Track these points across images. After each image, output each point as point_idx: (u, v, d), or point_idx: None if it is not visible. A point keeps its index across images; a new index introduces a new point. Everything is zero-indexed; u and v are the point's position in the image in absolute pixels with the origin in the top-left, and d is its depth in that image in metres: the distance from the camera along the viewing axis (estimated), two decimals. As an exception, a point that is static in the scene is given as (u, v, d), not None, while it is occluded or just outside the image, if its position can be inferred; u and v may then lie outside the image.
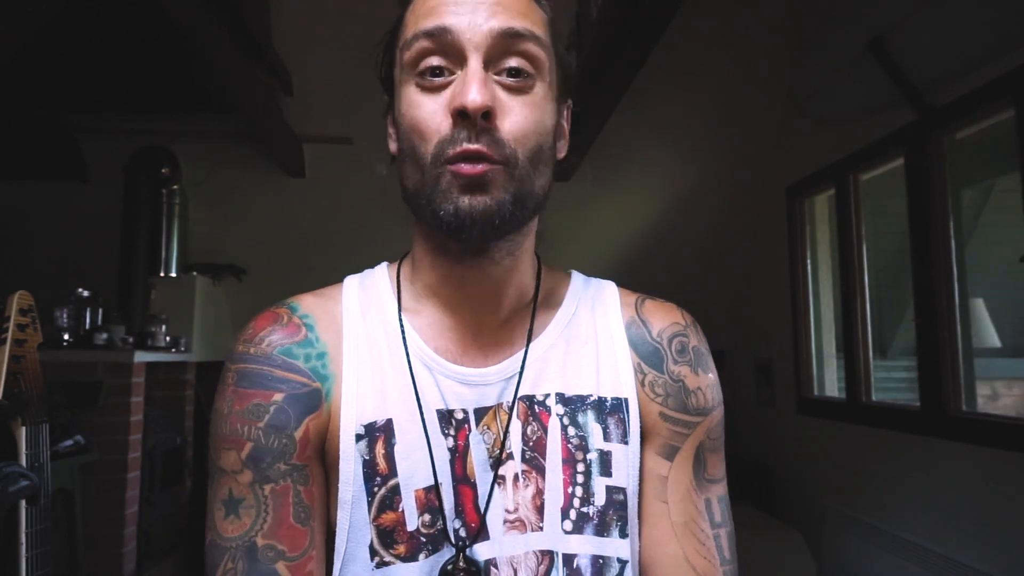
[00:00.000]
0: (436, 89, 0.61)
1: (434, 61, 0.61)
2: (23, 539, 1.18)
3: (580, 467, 0.64)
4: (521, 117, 0.61)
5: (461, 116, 0.58)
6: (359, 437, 0.62)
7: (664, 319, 0.71)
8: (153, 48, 3.25)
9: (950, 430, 2.37)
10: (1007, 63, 2.14)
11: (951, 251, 2.43)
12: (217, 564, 0.59)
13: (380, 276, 0.72)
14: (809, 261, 3.45)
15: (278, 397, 0.62)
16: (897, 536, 2.59)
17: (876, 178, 2.97)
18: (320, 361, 0.65)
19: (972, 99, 2.30)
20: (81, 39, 3.21)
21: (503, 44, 0.60)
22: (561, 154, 0.70)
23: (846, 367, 3.04)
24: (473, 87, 0.58)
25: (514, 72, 0.61)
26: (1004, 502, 2.15)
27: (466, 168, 0.58)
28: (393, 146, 0.68)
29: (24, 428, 1.22)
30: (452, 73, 0.61)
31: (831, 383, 3.34)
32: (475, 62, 0.59)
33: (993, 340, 2.95)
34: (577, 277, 0.76)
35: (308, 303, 0.69)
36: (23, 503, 1.17)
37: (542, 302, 0.71)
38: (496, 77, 0.61)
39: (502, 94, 0.60)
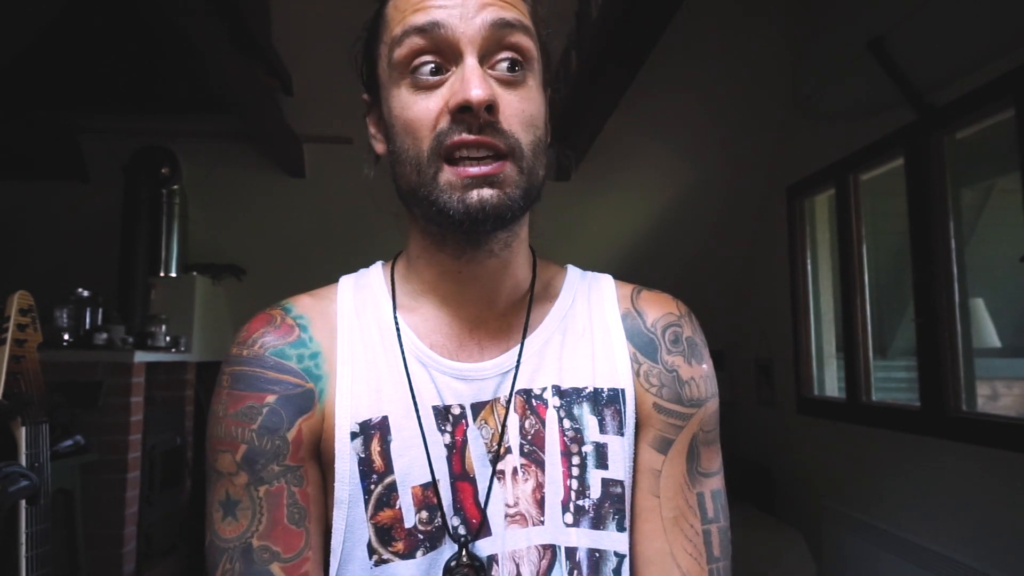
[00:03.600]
0: (431, 88, 0.60)
1: (428, 59, 0.60)
2: (23, 539, 1.18)
3: (576, 460, 0.64)
4: (519, 110, 0.60)
5: (462, 111, 0.57)
6: (354, 435, 0.62)
7: (658, 309, 0.71)
8: (153, 48, 3.25)
9: (950, 430, 2.37)
10: (1007, 63, 2.14)
11: (951, 251, 2.42)
12: (216, 564, 0.60)
13: (375, 275, 0.72)
14: (809, 261, 3.45)
15: (271, 399, 0.62)
16: (897, 536, 2.59)
17: (876, 178, 2.96)
18: (313, 361, 0.64)
19: (972, 99, 2.30)
20: (81, 39, 3.21)
21: (496, 36, 0.59)
22: (547, 140, 0.69)
23: (846, 367, 3.04)
24: (474, 81, 0.57)
25: (508, 65, 0.60)
26: (1004, 502, 2.15)
27: (473, 170, 0.58)
28: (380, 147, 0.68)
29: (24, 428, 1.22)
30: (447, 71, 0.60)
31: (831, 383, 3.34)
32: (471, 57, 0.59)
33: (993, 340, 2.95)
34: (573, 270, 0.75)
35: (302, 304, 0.68)
36: (23, 503, 1.17)
37: (538, 295, 0.71)
38: (490, 72, 0.60)
39: (499, 88, 0.60)
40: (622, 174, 3.83)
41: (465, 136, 0.58)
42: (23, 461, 1.21)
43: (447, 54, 0.59)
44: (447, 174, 0.59)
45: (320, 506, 0.62)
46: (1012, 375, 2.97)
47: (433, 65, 0.60)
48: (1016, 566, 2.09)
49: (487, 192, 0.58)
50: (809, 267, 3.44)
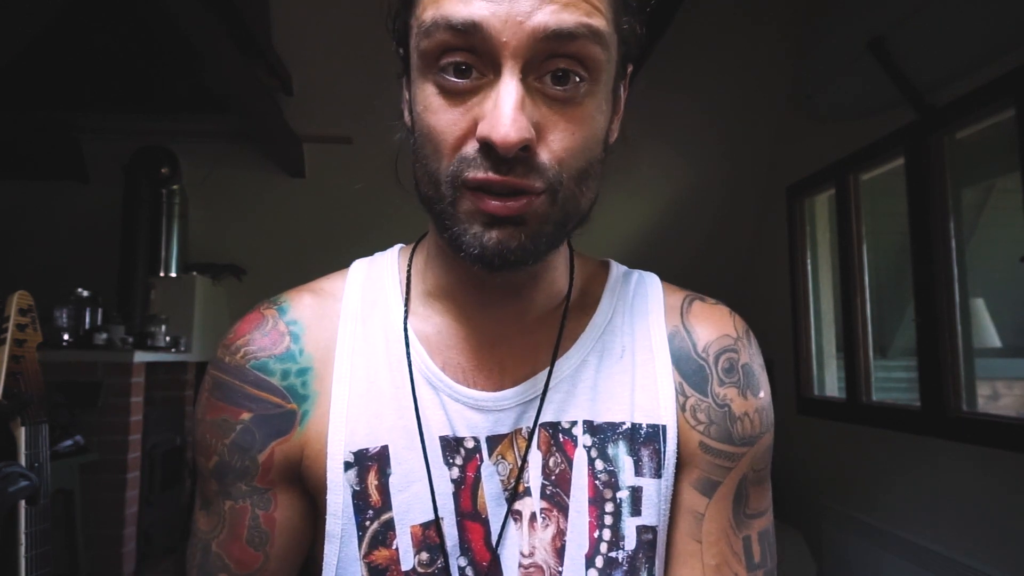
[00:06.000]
0: (458, 94, 0.49)
1: (458, 57, 0.48)
2: (23, 539, 1.17)
3: (609, 507, 0.56)
4: (568, 134, 0.49)
5: (489, 147, 0.48)
6: (348, 465, 0.56)
7: (713, 330, 0.62)
8: (153, 48, 3.25)
9: (950, 430, 2.37)
10: (1007, 63, 2.14)
11: (951, 251, 2.42)
12: (190, 546, 0.60)
13: (390, 266, 0.63)
14: (809, 261, 3.44)
15: (246, 416, 0.57)
16: (897, 536, 2.59)
17: (876, 178, 2.96)
18: (300, 379, 0.58)
19: (972, 99, 2.29)
20: (81, 39, 3.21)
21: (550, 46, 0.47)
22: (613, 136, 0.59)
23: (846, 367, 3.04)
24: (506, 116, 0.46)
25: (562, 76, 0.49)
26: (1004, 502, 2.15)
27: (495, 205, 0.48)
28: (408, 119, 0.57)
29: (24, 428, 1.22)
30: (481, 75, 0.48)
31: (831, 383, 3.34)
32: (510, 75, 0.47)
33: (993, 340, 2.95)
34: (616, 270, 0.66)
35: (301, 305, 0.61)
36: (23, 503, 1.17)
37: (573, 305, 0.61)
38: (537, 84, 0.49)
39: (545, 108, 0.49)
40: (622, 173, 3.83)
41: (491, 176, 0.48)
42: (23, 461, 1.21)
43: (483, 58, 0.48)
44: (467, 202, 0.50)
45: (288, 532, 0.57)
46: (1012, 375, 2.97)
47: (464, 65, 0.48)
48: (1016, 566, 2.09)
49: (508, 234, 0.49)
50: (809, 267, 3.44)
